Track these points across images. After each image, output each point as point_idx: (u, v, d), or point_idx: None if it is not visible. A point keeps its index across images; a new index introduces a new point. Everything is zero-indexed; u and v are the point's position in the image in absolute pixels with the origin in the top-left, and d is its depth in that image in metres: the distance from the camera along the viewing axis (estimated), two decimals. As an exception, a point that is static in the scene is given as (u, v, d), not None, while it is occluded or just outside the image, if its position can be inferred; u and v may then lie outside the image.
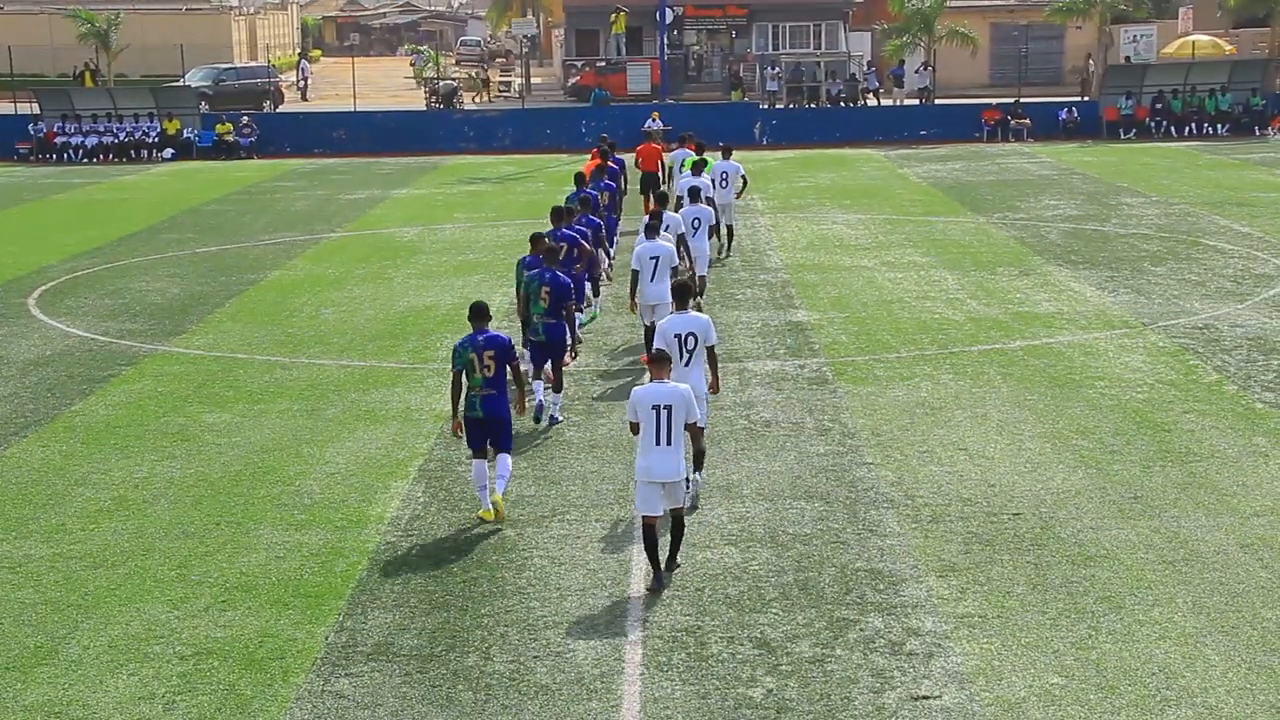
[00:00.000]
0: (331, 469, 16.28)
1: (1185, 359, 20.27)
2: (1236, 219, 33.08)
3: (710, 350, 14.82)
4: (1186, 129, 54.33)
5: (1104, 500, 14.63)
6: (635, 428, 12.87)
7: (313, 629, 12.02)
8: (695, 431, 13.27)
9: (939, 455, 16.22)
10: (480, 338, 14.47)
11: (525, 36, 77.12)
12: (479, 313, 14.77)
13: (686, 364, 14.58)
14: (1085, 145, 52.28)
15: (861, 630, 11.74)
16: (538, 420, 17.55)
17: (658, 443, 12.64)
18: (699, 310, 16.89)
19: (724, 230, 28.63)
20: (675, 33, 72.67)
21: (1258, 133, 53.98)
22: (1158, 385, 18.90)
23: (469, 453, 14.79)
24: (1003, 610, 12.06)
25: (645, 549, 12.82)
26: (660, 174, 33.35)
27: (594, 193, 25.28)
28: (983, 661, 11.15)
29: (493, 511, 14.35)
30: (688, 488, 13.65)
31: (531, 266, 18.24)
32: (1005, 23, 73.75)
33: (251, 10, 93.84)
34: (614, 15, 69.78)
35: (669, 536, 13.07)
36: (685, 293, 15.06)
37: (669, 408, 12.62)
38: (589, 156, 33.66)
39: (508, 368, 14.49)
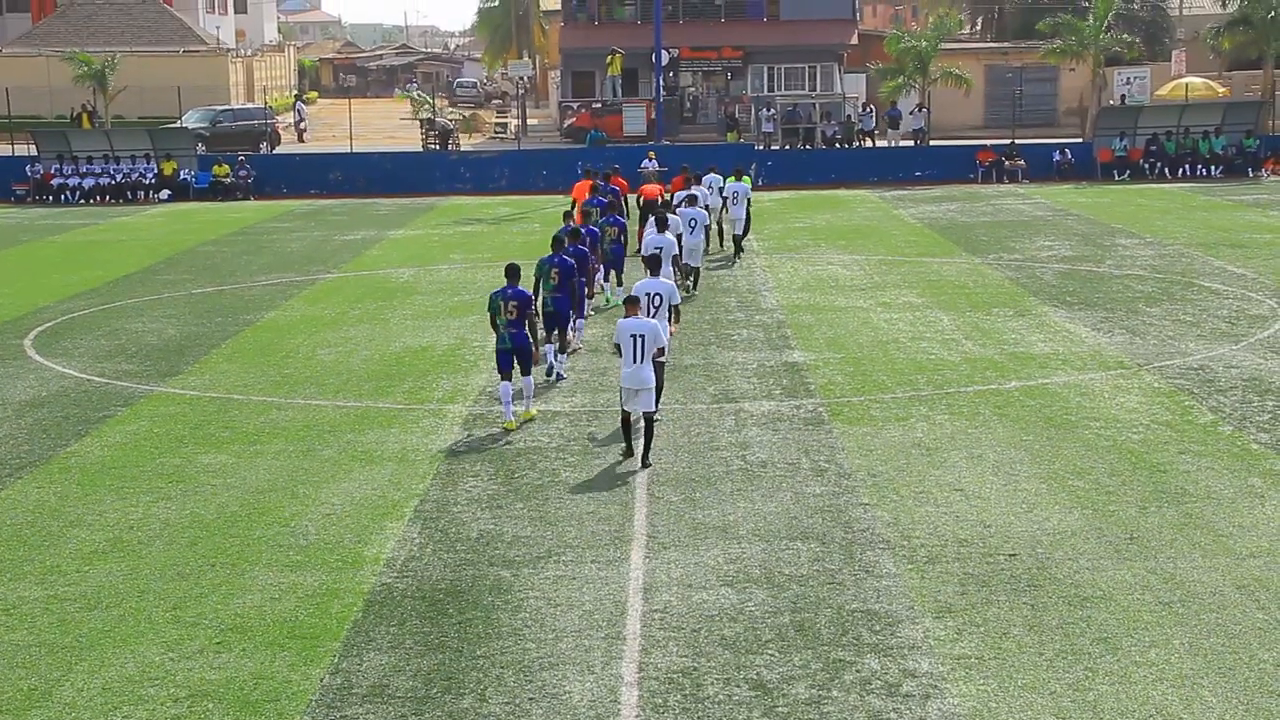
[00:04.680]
0: (327, 510, 16.26)
1: (1180, 400, 20.30)
2: (1231, 260, 33.17)
3: (674, 308, 19.58)
4: (1180, 170, 54.53)
5: (1100, 541, 14.62)
6: (618, 349, 17.64)
7: (308, 671, 11.98)
8: (657, 361, 17.98)
9: (935, 496, 16.22)
10: (509, 290, 19.29)
11: (522, 78, 77.45)
12: (512, 272, 19.50)
13: (654, 316, 18.95)
14: (1079, 187, 52.45)
15: (858, 672, 11.72)
16: (549, 375, 21.90)
17: (634, 360, 17.38)
18: (668, 278, 21.74)
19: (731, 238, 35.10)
20: (671, 74, 72.99)
21: (1251, 174, 54.16)
22: (1153, 426, 18.92)
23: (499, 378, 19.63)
24: (999, 651, 12.04)
25: (622, 430, 17.93)
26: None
27: (615, 190, 32.63)
28: (979, 703, 11.13)
29: (515, 422, 19.38)
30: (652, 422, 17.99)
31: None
32: (999, 64, 74.16)
33: (249, 52, 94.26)
34: (610, 57, 70.13)
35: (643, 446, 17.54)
36: (655, 263, 21.17)
37: (642, 336, 17.40)
38: (582, 183, 34.81)
39: (526, 315, 19.23)
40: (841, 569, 14.02)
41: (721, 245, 36.17)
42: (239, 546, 15.09)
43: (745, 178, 36.29)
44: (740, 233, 35.22)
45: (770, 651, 12.13)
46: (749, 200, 35.42)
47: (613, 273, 28.63)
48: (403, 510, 16.20)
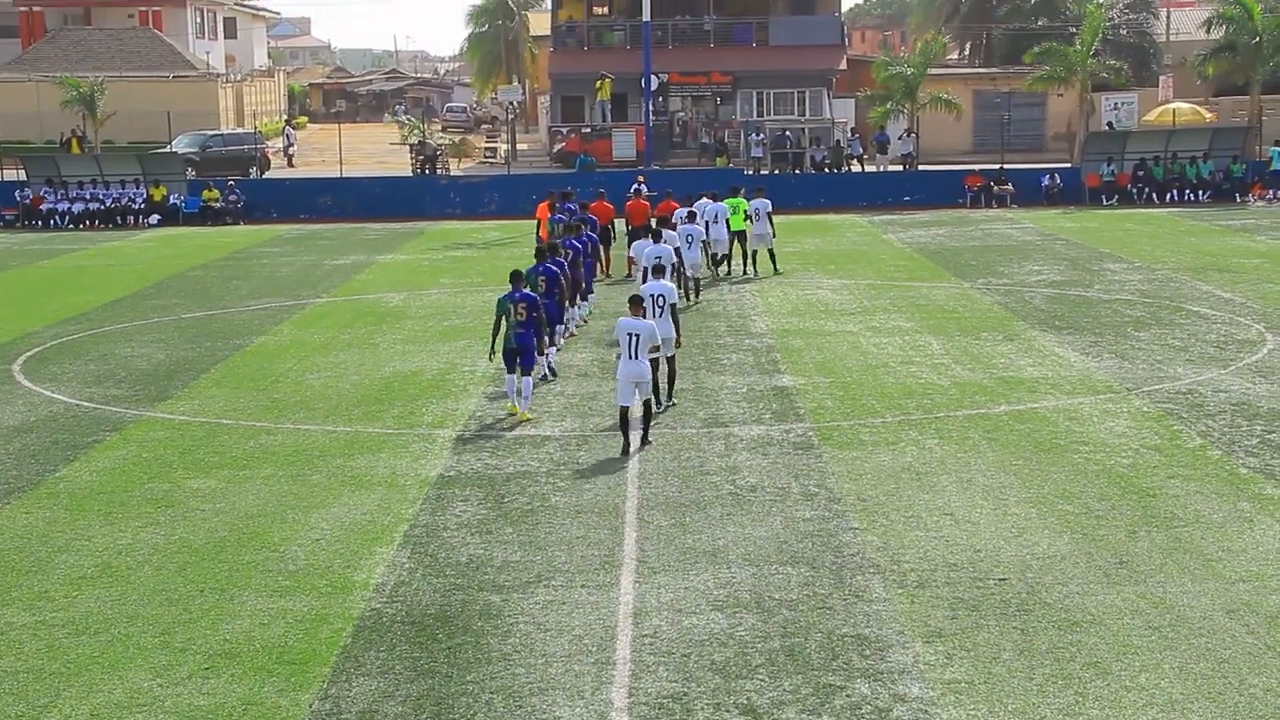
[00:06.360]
0: (316, 535, 16.23)
1: (1169, 424, 20.33)
2: (1219, 285, 33.26)
3: (673, 307, 21.35)
4: (1168, 195, 54.67)
5: (1089, 565, 14.63)
6: (618, 344, 19.42)
7: (297, 696, 11.95)
8: (667, 360, 21.23)
9: (924, 520, 16.23)
10: (517, 294, 21.20)
11: (511, 102, 77.56)
12: (516, 277, 21.50)
13: (659, 316, 20.87)
14: (1068, 211, 52.60)
15: (848, 696, 11.70)
16: (543, 379, 23.37)
17: (631, 357, 19.01)
18: (671, 281, 23.54)
19: (765, 253, 36.90)
20: (660, 99, 73.12)
21: (1238, 199, 54.34)
22: (1142, 450, 18.95)
23: (505, 370, 21.60)
24: (989, 676, 12.04)
25: (620, 426, 19.36)
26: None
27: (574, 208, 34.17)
28: (970, 728, 11.11)
29: (518, 408, 21.16)
30: (659, 405, 20.73)
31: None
32: (988, 90, 74.41)
33: (239, 77, 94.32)
34: (599, 81, 70.27)
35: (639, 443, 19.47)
36: (660, 271, 22.99)
37: (638, 335, 19.03)
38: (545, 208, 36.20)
39: (533, 315, 21.15)
40: (831, 593, 14.01)
41: (745, 268, 36.91)
42: (228, 572, 15.06)
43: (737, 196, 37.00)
44: (770, 246, 36.82)
45: (760, 676, 12.12)
46: (770, 216, 36.49)
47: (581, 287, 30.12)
48: (392, 535, 16.17)
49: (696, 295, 32.24)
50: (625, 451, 19.08)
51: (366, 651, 12.85)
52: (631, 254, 32.56)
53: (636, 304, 19.89)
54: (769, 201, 36.67)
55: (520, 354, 21.14)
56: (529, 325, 21.16)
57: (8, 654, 13.00)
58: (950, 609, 13.53)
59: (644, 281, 25.16)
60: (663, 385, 21.45)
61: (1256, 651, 12.43)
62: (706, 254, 34.28)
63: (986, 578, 14.33)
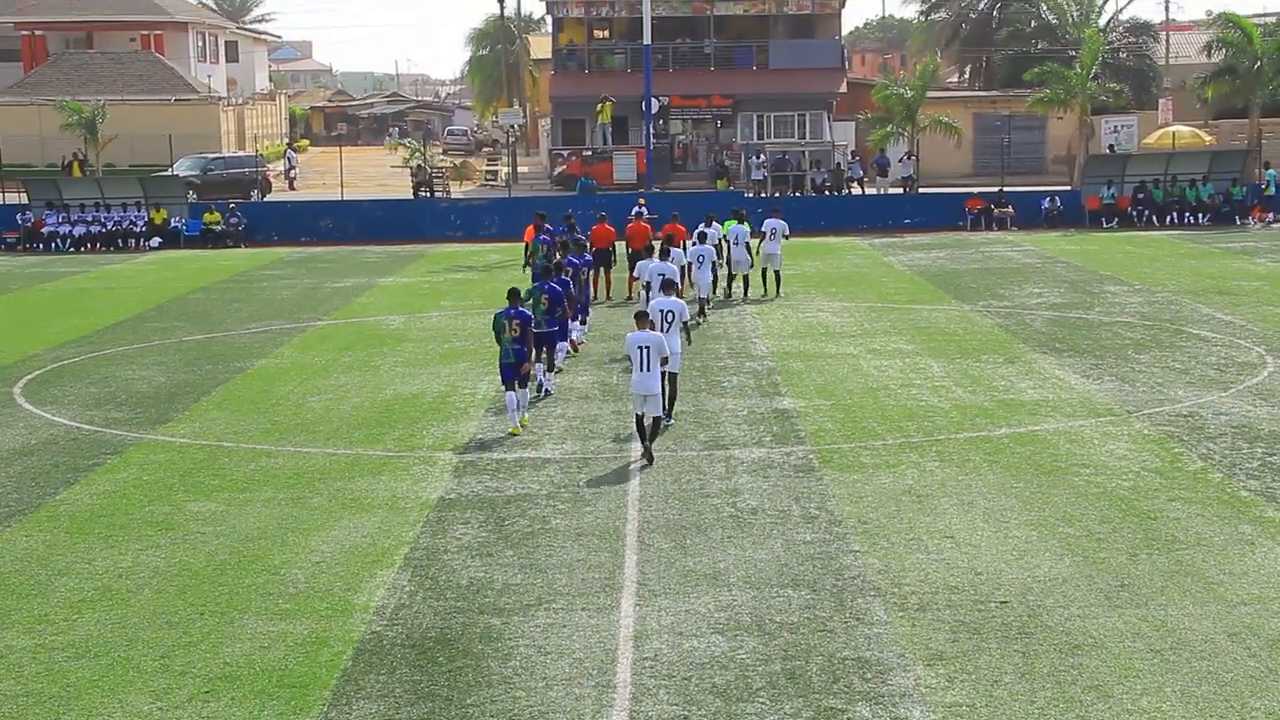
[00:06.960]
0: (317, 557, 16.21)
1: (1170, 447, 20.32)
2: (1219, 307, 33.28)
3: (685, 325, 22.29)
4: (1168, 218, 54.73)
5: (1091, 588, 14.61)
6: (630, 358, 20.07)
7: (297, 719, 11.94)
8: (670, 378, 21.47)
9: (926, 543, 16.21)
10: (512, 311, 21.85)
11: (512, 125, 77.74)
12: (514, 294, 22.17)
13: (666, 331, 21.30)
14: (1068, 234, 52.65)
15: (849, 719, 11.69)
16: (539, 391, 24.14)
17: (642, 369, 19.59)
18: (680, 296, 23.87)
19: (772, 274, 36.96)
20: (661, 122, 73.26)
21: (1238, 222, 54.40)
22: (1143, 473, 18.94)
23: (503, 388, 22.22)
24: (991, 700, 12.02)
25: (637, 432, 20.15)
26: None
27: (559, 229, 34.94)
28: (971, 751, 11.08)
29: (519, 428, 21.68)
30: (660, 425, 20.85)
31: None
32: (988, 113, 74.54)
33: (240, 101, 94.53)
34: (600, 104, 70.44)
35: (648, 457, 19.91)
36: (670, 286, 23.25)
37: (648, 347, 19.62)
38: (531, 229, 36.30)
39: (527, 332, 21.80)
40: (832, 616, 13.99)
41: (745, 292, 36.79)
42: (228, 595, 15.04)
43: (741, 220, 37.26)
44: (778, 268, 37.07)
45: (761, 699, 12.09)
46: (786, 238, 37.14)
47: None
48: (392, 558, 16.16)
49: (703, 316, 32.60)
50: (646, 455, 19.88)
51: (367, 675, 12.83)
52: (635, 274, 32.73)
53: (643, 319, 20.30)
54: (785, 223, 36.96)
55: (517, 366, 21.78)
56: (524, 341, 21.81)
57: (7, 677, 12.98)
58: (951, 632, 13.51)
59: (652, 297, 25.56)
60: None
61: (1259, 675, 12.40)
62: (716, 275, 34.65)
63: (988, 600, 14.31)
